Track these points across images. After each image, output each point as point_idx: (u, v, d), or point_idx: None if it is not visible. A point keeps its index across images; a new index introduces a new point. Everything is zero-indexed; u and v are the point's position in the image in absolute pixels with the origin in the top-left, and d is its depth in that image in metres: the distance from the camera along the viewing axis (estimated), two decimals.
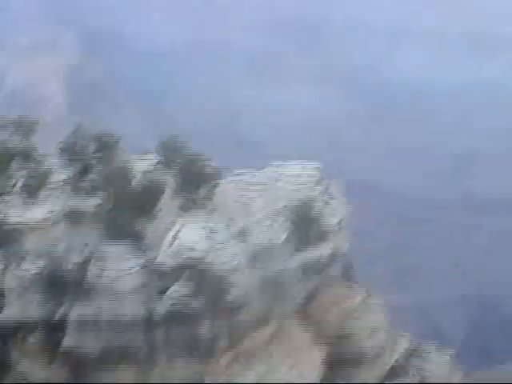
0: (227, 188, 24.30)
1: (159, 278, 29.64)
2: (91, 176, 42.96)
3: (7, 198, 42.74)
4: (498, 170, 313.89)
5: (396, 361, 26.86)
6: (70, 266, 37.11)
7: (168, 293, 26.70)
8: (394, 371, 26.65)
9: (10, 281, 37.49)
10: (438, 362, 27.89)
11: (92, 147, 45.80)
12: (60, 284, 37.64)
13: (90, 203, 40.72)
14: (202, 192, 24.89)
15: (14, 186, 43.24)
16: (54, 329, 31.10)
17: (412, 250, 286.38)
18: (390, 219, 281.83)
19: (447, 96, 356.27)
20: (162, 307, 28.67)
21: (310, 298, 23.90)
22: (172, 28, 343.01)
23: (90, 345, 32.50)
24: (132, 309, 31.79)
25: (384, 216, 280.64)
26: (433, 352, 28.94)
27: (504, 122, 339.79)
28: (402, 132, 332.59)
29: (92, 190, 41.67)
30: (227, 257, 21.56)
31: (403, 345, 27.44)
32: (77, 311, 33.59)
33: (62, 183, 43.24)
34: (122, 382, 32.87)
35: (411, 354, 27.65)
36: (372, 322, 26.05)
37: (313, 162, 27.21)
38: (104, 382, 30.29)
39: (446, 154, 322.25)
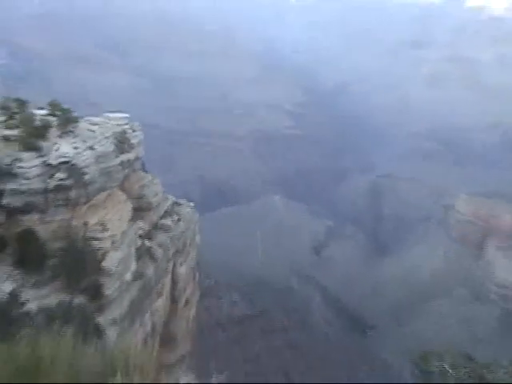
0: (83, 124, 24.04)
1: None
2: None
3: None
4: None
5: (166, 208, 28.17)
6: None
7: None
8: (166, 213, 27.81)
9: None
10: (186, 209, 29.41)
11: None
12: None
13: None
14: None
15: None
16: None
17: (174, 153, 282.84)
18: (159, 141, 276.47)
19: None
20: None
21: (125, 179, 24.63)
22: None
23: None
24: None
25: (155, 139, 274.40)
26: (183, 204, 30.39)
27: None
28: None
29: None
30: (83, 160, 21.27)
31: (169, 201, 28.78)
32: None
33: None
34: None
35: (173, 205, 28.98)
36: (154, 190, 27.11)
37: (124, 114, 27.48)
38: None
39: None
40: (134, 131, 27.26)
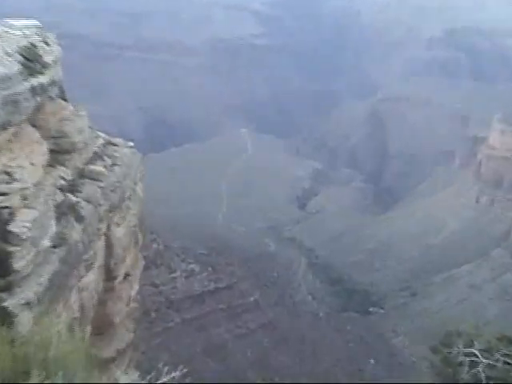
0: None
1: None
2: None
3: None
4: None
5: (96, 150, 28.02)
6: None
7: None
8: (95, 156, 27.82)
9: None
10: (123, 150, 29.16)
11: None
12: None
13: None
14: None
15: None
16: None
17: (106, 73, 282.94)
18: (84, 58, 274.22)
19: None
20: None
21: (37, 111, 24.50)
22: None
23: None
24: None
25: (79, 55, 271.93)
26: (120, 144, 30.18)
27: None
28: None
29: None
30: None
31: (100, 140, 28.52)
32: None
33: None
34: None
35: (105, 145, 28.67)
36: (79, 125, 26.99)
37: (33, 20, 26.94)
38: None
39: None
40: (47, 45, 26.96)
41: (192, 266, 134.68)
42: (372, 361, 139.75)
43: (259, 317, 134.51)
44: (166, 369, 9.71)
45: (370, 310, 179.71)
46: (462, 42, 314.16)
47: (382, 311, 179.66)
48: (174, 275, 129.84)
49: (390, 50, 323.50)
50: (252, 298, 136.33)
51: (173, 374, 9.64)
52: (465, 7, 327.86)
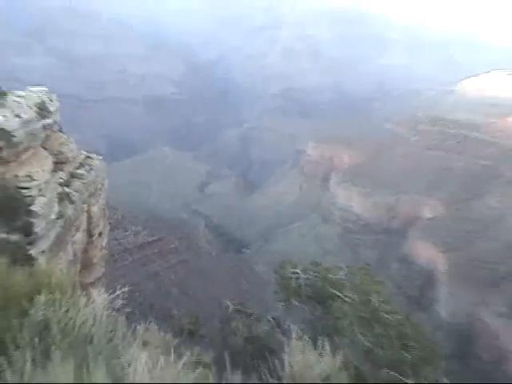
0: (10, 97, 22.91)
1: None
2: None
3: None
4: None
5: (80, 161, 28.05)
6: None
7: None
8: (80, 164, 27.61)
9: None
10: (96, 161, 29.13)
11: None
12: None
13: None
14: None
15: None
16: None
17: (82, 118, 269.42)
18: (72, 108, 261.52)
19: None
20: None
21: (46, 139, 24.14)
22: None
23: None
24: None
25: (69, 107, 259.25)
26: (93, 157, 30.16)
27: None
28: None
29: None
30: None
31: (82, 155, 28.58)
32: None
33: None
34: None
35: (85, 158, 28.68)
36: (70, 147, 26.88)
37: (43, 87, 26.36)
38: None
39: None
40: (51, 101, 26.61)
41: (138, 227, 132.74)
42: (245, 281, 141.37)
43: (178, 256, 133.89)
44: (118, 286, 10.42)
45: (243, 250, 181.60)
46: (294, 96, 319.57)
47: (249, 251, 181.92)
48: (127, 233, 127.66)
49: (254, 99, 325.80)
50: (173, 245, 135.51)
51: (123, 290, 10.31)
52: (292, 74, 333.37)
